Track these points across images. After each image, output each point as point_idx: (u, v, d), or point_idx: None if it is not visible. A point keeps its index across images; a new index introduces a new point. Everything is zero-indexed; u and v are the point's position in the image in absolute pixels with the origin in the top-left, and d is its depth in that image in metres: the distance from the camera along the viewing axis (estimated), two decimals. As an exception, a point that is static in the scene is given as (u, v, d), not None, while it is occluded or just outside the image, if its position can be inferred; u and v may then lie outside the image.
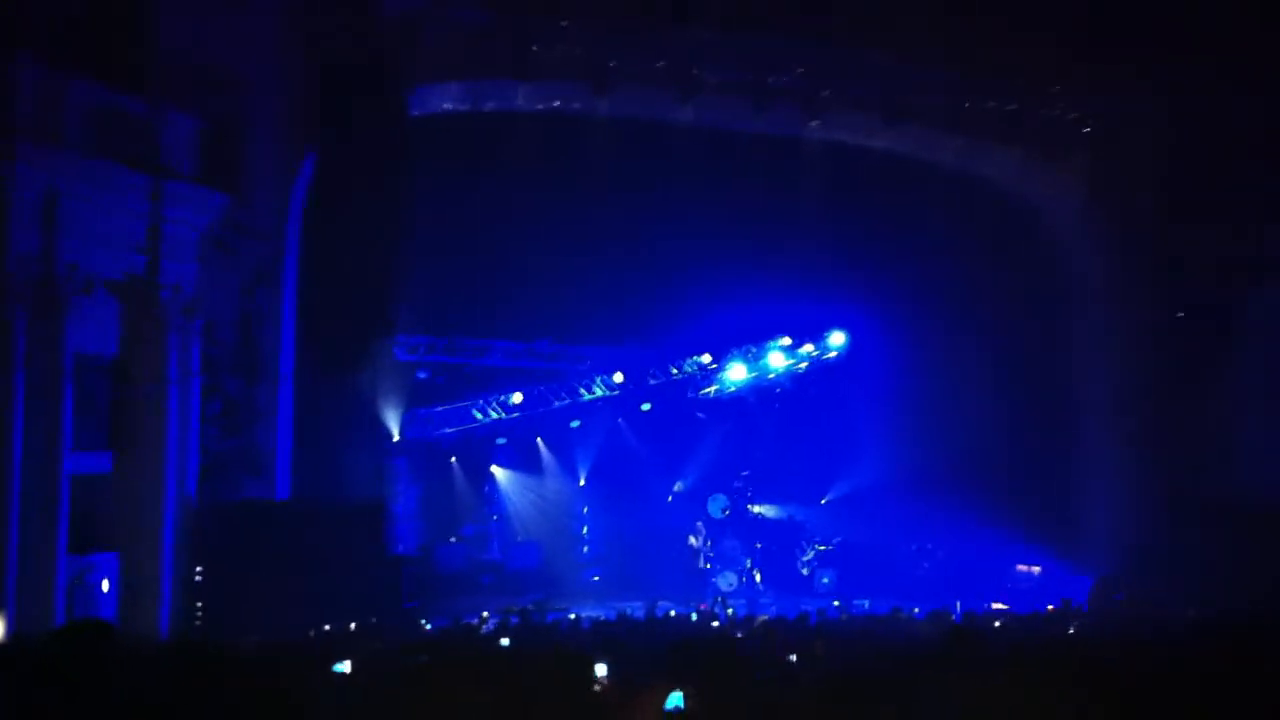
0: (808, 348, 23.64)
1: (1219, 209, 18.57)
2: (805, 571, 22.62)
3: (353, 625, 13.23)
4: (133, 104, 14.83)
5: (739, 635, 9.85)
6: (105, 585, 14.70)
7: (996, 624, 12.59)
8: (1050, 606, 16.14)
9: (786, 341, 23.44)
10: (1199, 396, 18.76)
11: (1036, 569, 20.97)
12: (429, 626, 15.32)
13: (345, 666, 6.80)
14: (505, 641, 11.07)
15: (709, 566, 22.25)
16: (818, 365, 23.87)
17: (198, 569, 15.31)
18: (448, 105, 19.36)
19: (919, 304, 21.17)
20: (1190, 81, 17.83)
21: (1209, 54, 17.30)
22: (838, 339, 23.49)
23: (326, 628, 13.07)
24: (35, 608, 13.20)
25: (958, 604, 17.01)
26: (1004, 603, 19.14)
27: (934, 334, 21.28)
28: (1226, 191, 18.45)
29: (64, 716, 4.02)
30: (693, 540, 22.32)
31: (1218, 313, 18.77)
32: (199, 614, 15.12)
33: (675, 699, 2.76)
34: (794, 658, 6.78)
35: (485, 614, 14.98)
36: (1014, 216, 21.70)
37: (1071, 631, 11.18)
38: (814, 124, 20.55)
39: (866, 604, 18.67)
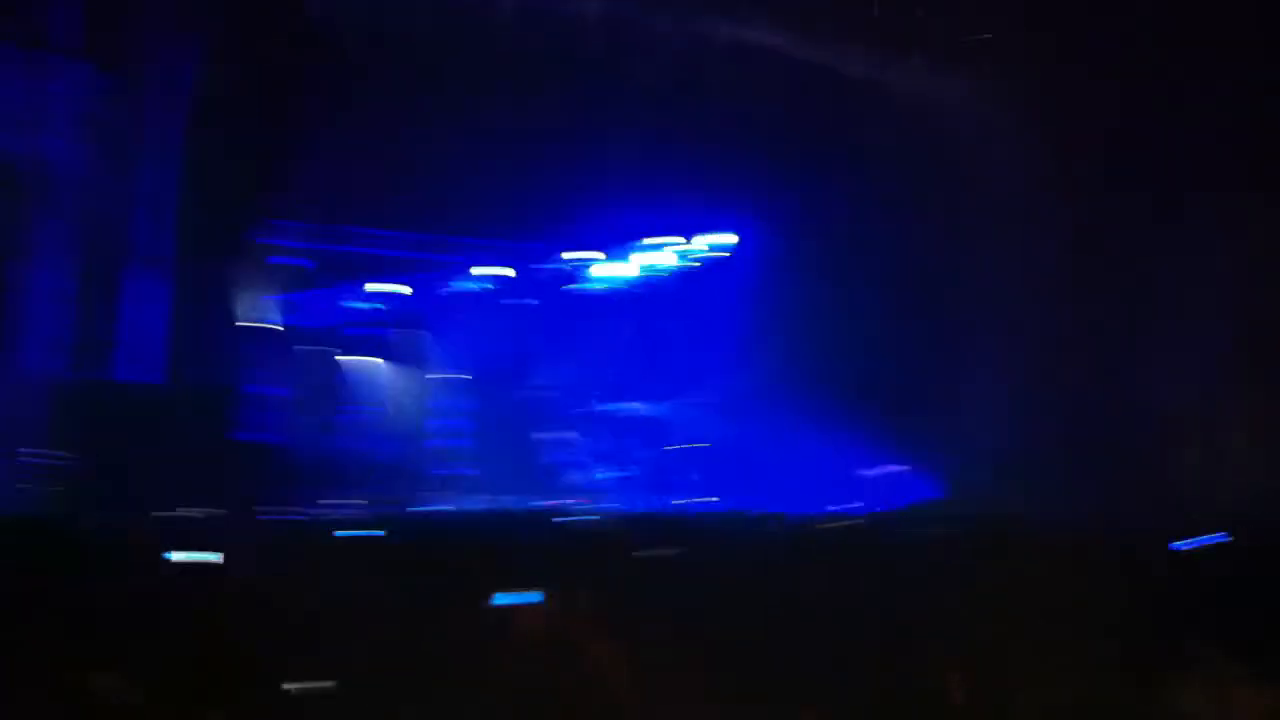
0: (696, 246, 23.63)
1: (1124, 121, 18.55)
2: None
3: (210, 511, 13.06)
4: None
5: (613, 529, 9.96)
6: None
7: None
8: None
9: (676, 240, 23.42)
10: (1092, 316, 18.99)
11: (889, 469, 21.33)
12: (301, 516, 15.24)
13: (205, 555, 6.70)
14: (381, 532, 11.04)
15: (581, 462, 22.41)
16: (706, 265, 23.91)
17: (57, 453, 14.99)
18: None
19: (814, 210, 21.17)
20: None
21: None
22: (728, 239, 23.49)
23: (189, 513, 12.89)
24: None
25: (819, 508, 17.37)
26: (860, 502, 19.48)
27: (827, 241, 21.31)
28: (1134, 102, 18.40)
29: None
30: (552, 436, 22.35)
31: (1115, 231, 18.92)
32: (59, 494, 14.83)
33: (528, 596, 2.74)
34: (669, 550, 6.88)
35: (346, 500, 14.92)
36: (918, 126, 21.60)
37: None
38: (722, 24, 20.24)
39: (728, 503, 19.00)
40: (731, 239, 23.45)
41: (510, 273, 22.82)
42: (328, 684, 3.51)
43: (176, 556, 6.04)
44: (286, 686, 3.52)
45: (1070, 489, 16.46)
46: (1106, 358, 18.75)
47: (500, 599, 2.82)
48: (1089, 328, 19.02)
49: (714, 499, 19.17)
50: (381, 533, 10.75)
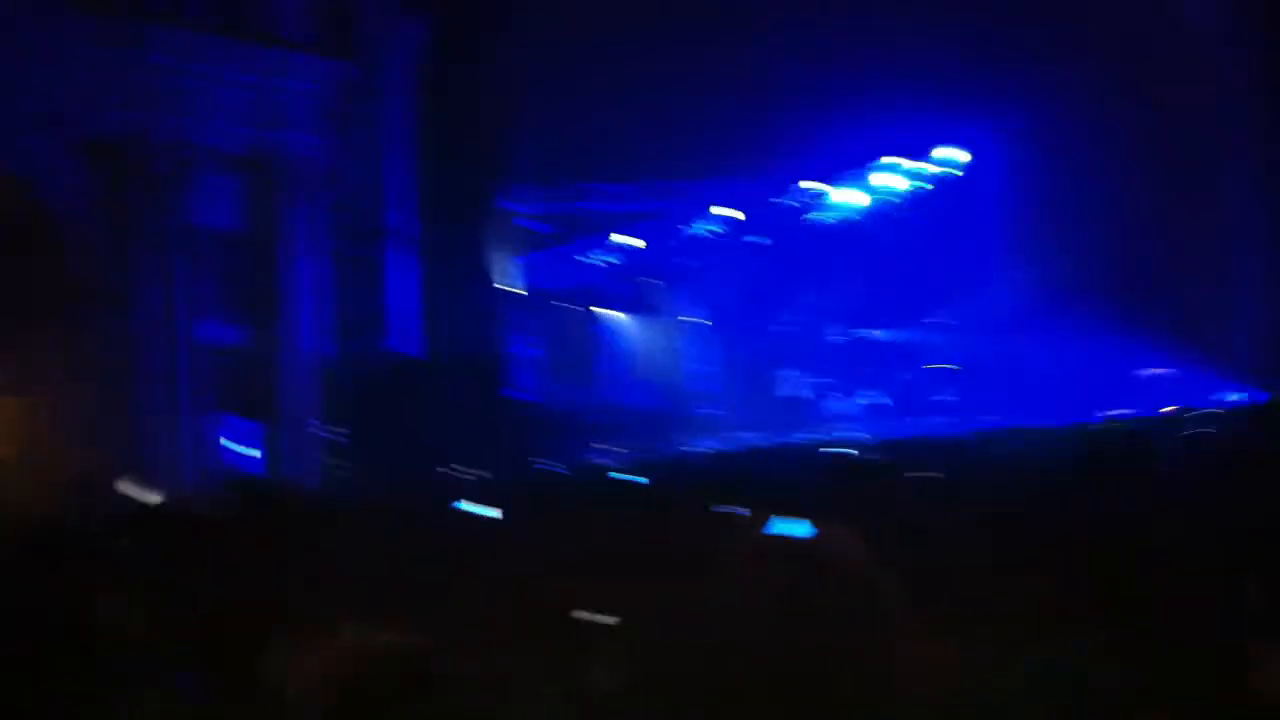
0: (926, 166, 22.94)
1: None
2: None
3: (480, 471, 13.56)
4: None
5: (877, 458, 9.83)
6: (255, 452, 15.33)
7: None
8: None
9: (905, 161, 22.78)
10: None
11: (1169, 370, 20.40)
12: (561, 468, 15.63)
13: (485, 509, 6.94)
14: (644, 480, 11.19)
15: (835, 392, 22.26)
16: (941, 184, 23.18)
17: (338, 429, 15.80)
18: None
19: (1047, 112, 20.27)
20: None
21: None
22: (961, 156, 22.70)
23: (465, 475, 13.41)
24: (184, 472, 13.84)
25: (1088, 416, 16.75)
26: (1133, 408, 18.64)
27: (1065, 143, 20.40)
28: None
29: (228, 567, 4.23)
30: (803, 370, 22.21)
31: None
32: (343, 470, 15.64)
33: (799, 527, 2.65)
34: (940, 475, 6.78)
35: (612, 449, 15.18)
36: (1150, 22, 20.45)
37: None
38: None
39: (991, 420, 18.53)
40: (963, 155, 22.65)
41: (741, 215, 22.70)
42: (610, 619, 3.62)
43: (467, 508, 6.34)
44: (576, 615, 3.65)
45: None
46: None
47: (772, 528, 2.79)
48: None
49: (978, 417, 18.71)
50: (644, 479, 10.94)
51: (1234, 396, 18.05)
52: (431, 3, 17.37)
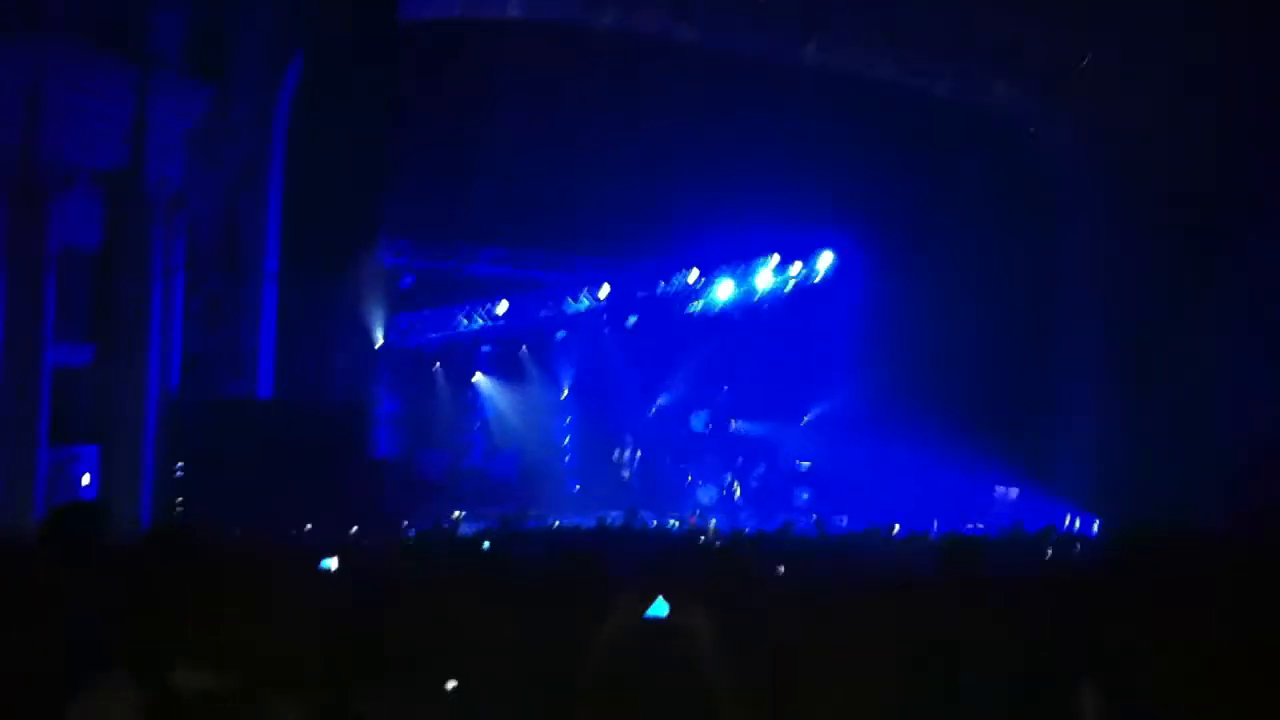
0: (796, 268, 23.60)
1: (1217, 146, 18.35)
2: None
3: (333, 527, 13.22)
4: (118, -10, 14.50)
5: (723, 547, 9.83)
6: (86, 478, 14.66)
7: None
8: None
9: (775, 261, 23.37)
10: (1190, 331, 18.70)
11: (1015, 491, 21.07)
12: (416, 529, 15.34)
13: (331, 563, 6.74)
14: (485, 545, 11.03)
15: (690, 480, 22.35)
16: (804, 286, 23.84)
17: (178, 464, 15.27)
18: (440, 11, 18.98)
19: (909, 230, 21.06)
20: (1195, 19, 17.53)
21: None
22: (825, 260, 23.46)
23: (308, 527, 13.06)
24: (14, 498, 13.17)
25: (935, 523, 17.10)
26: (982, 524, 19.25)
27: (922, 259, 21.15)
28: (1227, 128, 18.22)
29: (56, 597, 3.96)
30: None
31: (1210, 248, 18.63)
32: (179, 508, 15.09)
33: (659, 607, 2.65)
34: (782, 569, 6.77)
35: (459, 514, 14.98)
36: (1008, 146, 21.54)
37: (1049, 555, 11.19)
38: (810, 46, 20.15)
39: (844, 520, 18.78)
40: (828, 259, 23.38)
41: (617, 292, 22.85)
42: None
43: (304, 557, 6.13)
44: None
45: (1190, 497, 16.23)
46: (1202, 367, 18.45)
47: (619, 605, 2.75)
48: (1185, 339, 18.74)
49: (841, 518, 18.98)
50: (491, 545, 10.75)
51: (1073, 522, 18.62)
52: (312, 39, 17.08)
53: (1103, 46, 19.63)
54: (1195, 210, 18.69)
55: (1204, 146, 18.44)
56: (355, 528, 12.88)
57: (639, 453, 22.31)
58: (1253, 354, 17.44)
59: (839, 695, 3.28)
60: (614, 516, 16.63)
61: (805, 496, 22.18)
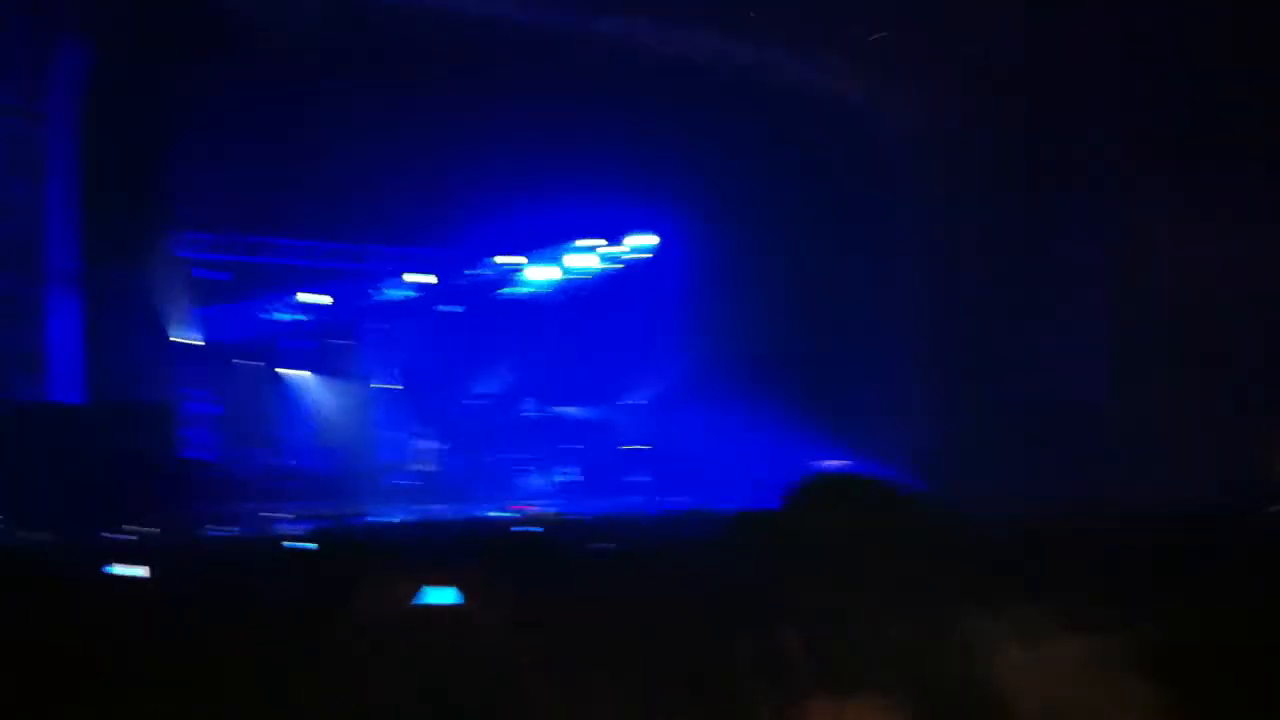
0: (618, 249, 23.59)
1: (1044, 123, 18.90)
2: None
3: (142, 529, 12.68)
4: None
5: (540, 529, 9.74)
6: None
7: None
8: None
9: (597, 243, 23.33)
10: (1016, 308, 19.27)
11: (844, 464, 21.47)
12: (230, 531, 14.89)
13: (141, 570, 6.39)
14: (312, 546, 10.69)
15: (519, 468, 22.20)
16: (628, 267, 23.86)
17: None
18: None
19: (732, 207, 21.23)
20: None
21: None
22: (648, 240, 23.51)
23: (117, 534, 12.50)
24: None
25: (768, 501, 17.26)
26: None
27: (746, 239, 21.40)
28: (1054, 105, 18.75)
29: None
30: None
31: (1037, 220, 19.20)
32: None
33: (445, 594, 2.57)
34: (598, 546, 6.69)
35: (284, 515, 14.58)
36: (834, 123, 21.78)
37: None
38: (649, 27, 19.99)
39: (676, 501, 18.87)
40: (653, 239, 23.44)
41: (434, 279, 22.52)
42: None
43: (116, 570, 5.81)
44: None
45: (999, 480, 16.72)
46: (1013, 351, 19.08)
47: (423, 598, 2.68)
48: (998, 323, 19.33)
49: (668, 499, 19.05)
50: (314, 545, 10.41)
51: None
52: (101, 29, 16.28)
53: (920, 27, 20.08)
54: (1020, 177, 19.19)
55: (1032, 124, 18.95)
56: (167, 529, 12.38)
57: (438, 445, 21.85)
58: (1073, 333, 18.05)
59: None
60: (440, 510, 16.40)
61: (637, 480, 22.23)
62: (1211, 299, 16.77)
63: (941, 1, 18.82)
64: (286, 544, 10.91)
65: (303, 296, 21.55)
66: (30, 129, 16.15)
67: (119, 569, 6.01)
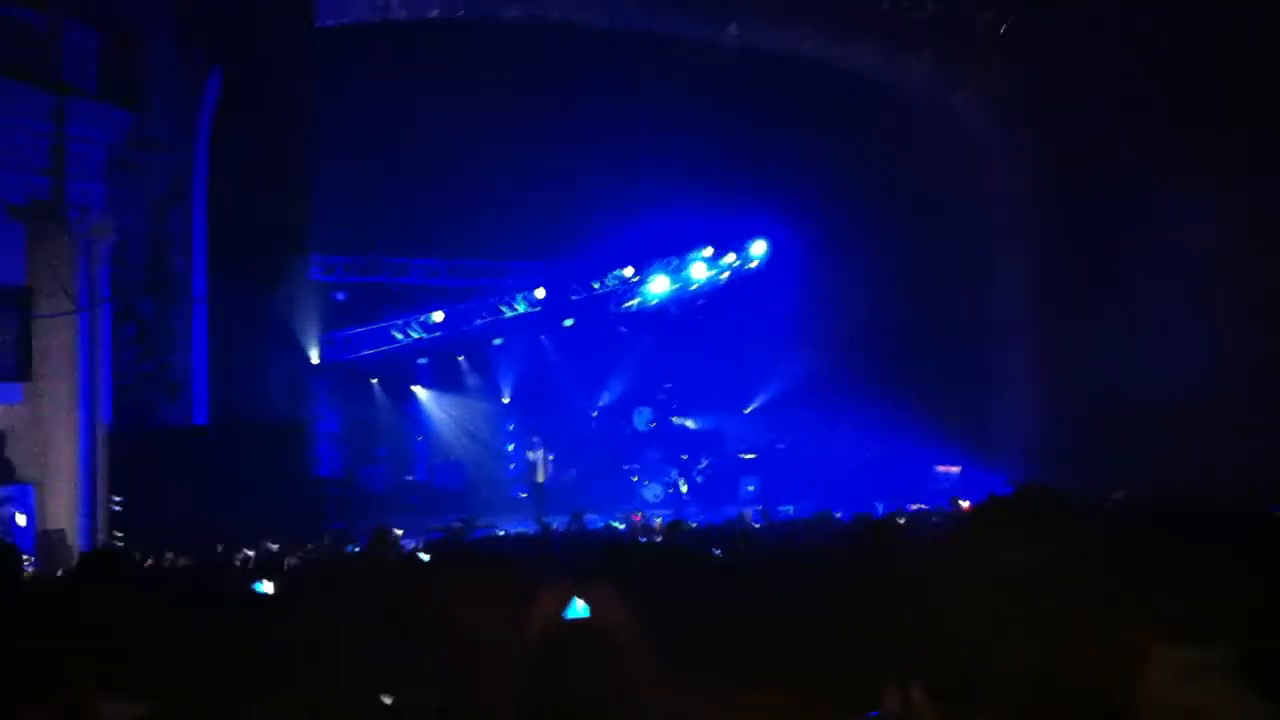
0: (729, 257, 23.68)
1: (1131, 116, 18.63)
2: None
3: (275, 546, 13.09)
4: (29, 16, 14.17)
5: (659, 539, 9.87)
6: (22, 519, 14.38)
7: (904, 520, 12.67)
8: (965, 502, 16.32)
9: (708, 252, 23.43)
10: (1111, 299, 19.01)
11: (956, 469, 21.26)
12: (355, 549, 15.20)
13: (267, 586, 6.69)
14: (425, 556, 10.94)
15: (635, 480, 22.35)
16: (739, 275, 23.93)
17: (116, 498, 15.03)
18: (358, 15, 18.82)
19: (837, 210, 21.20)
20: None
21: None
22: (759, 248, 23.55)
23: (249, 551, 12.94)
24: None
25: (879, 506, 17.21)
26: (924, 503, 19.39)
27: (852, 240, 21.35)
28: (1138, 99, 18.50)
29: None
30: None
31: (1130, 217, 18.92)
32: (119, 542, 14.86)
33: (575, 608, 2.69)
34: (718, 552, 6.80)
35: (399, 530, 14.86)
36: (928, 121, 21.70)
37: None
38: (731, 27, 20.17)
39: (790, 509, 18.85)
40: (761, 247, 23.47)
41: (543, 293, 22.78)
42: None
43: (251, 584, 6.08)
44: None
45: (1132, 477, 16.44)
46: (1109, 349, 18.77)
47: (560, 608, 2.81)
48: (1109, 304, 19.04)
49: (786, 508, 19.05)
50: (439, 557, 10.66)
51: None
52: (230, 55, 16.84)
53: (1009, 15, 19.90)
54: (1114, 175, 18.95)
55: (1114, 112, 18.70)
56: (288, 547, 12.75)
57: (551, 456, 21.98)
58: (1176, 321, 17.71)
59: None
60: (561, 520, 16.57)
61: (751, 488, 22.26)
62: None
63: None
64: (411, 554, 11.25)
65: (427, 315, 21.99)
66: (185, 161, 16.72)
67: (263, 586, 6.29)
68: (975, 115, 22.00)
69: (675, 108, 19.64)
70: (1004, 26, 20.34)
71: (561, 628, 2.46)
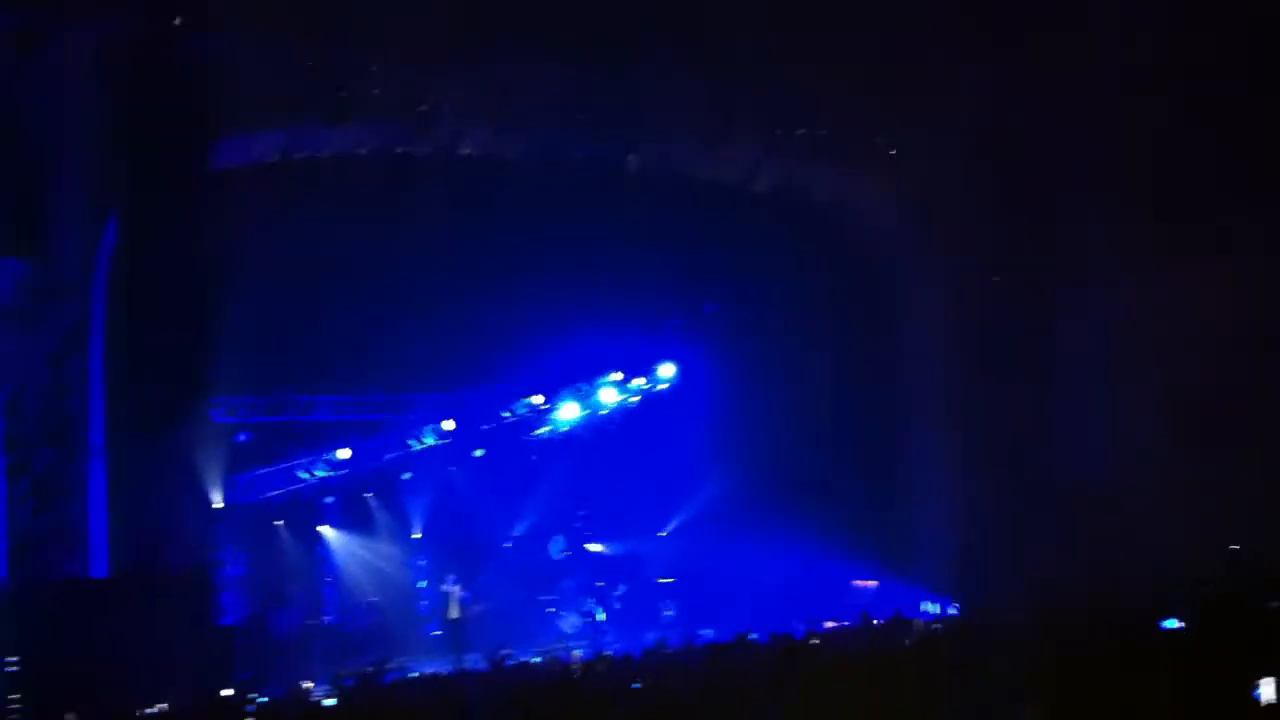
0: (639, 381, 23.73)
1: (1032, 208, 19.11)
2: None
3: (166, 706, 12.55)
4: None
5: (578, 674, 9.69)
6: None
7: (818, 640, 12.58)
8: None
9: (617, 376, 23.47)
10: (1018, 393, 19.27)
11: (873, 583, 21.26)
12: (263, 699, 14.69)
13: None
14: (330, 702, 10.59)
15: (552, 611, 21.99)
16: (649, 398, 23.97)
17: (10, 658, 14.40)
18: (257, 155, 18.79)
19: (745, 329, 21.42)
20: (988, 90, 18.36)
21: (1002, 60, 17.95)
22: (667, 370, 23.63)
23: (152, 710, 12.42)
24: None
25: (800, 627, 17.06)
26: (842, 619, 19.28)
27: (761, 357, 21.56)
28: (1039, 191, 18.99)
29: None
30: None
31: (1034, 309, 19.29)
32: (15, 705, 14.20)
33: None
34: (638, 685, 6.69)
35: (308, 684, 14.45)
36: (832, 232, 22.06)
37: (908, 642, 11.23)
38: (632, 156, 20.47)
39: (711, 633, 18.64)
40: (670, 369, 23.57)
41: (451, 425, 22.55)
42: None
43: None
44: None
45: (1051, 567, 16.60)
46: (1033, 437, 19.02)
47: None
48: (1015, 408, 19.31)
49: (705, 631, 18.83)
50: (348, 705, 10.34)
51: (931, 608, 18.84)
52: (127, 200, 16.67)
53: (913, 127, 20.42)
54: (1019, 275, 19.34)
55: (1019, 212, 19.19)
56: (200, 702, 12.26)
57: (464, 590, 21.46)
58: (1090, 420, 18.02)
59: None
60: (476, 659, 16.18)
61: (670, 612, 22.02)
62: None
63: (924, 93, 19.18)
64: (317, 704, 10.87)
65: (331, 452, 21.64)
66: (83, 308, 16.43)
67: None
68: (879, 223, 22.29)
69: (579, 234, 19.78)
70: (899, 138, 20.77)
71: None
